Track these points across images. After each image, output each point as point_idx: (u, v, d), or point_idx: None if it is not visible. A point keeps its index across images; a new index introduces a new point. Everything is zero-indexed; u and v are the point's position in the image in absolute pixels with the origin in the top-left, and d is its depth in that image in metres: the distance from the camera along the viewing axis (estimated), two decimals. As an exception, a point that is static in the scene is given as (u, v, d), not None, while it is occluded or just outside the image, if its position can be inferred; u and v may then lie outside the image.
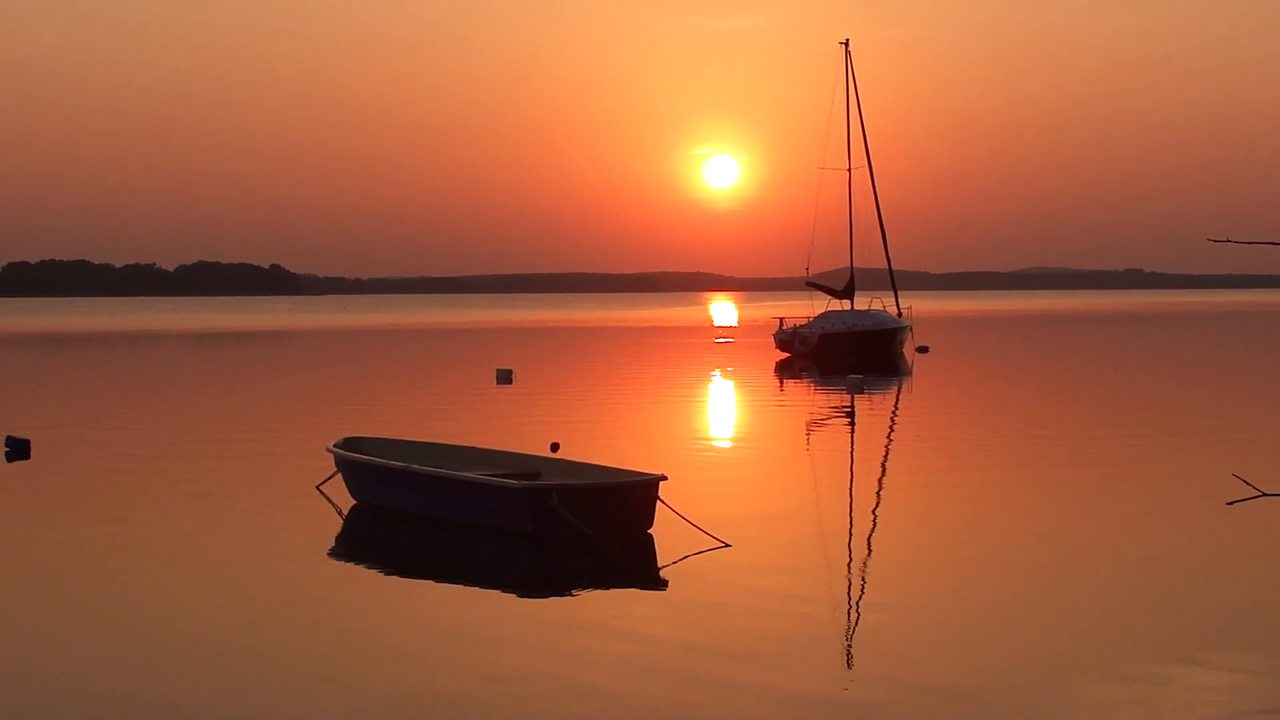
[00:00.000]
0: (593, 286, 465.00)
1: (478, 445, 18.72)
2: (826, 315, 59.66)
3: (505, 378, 41.32)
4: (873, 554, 14.29)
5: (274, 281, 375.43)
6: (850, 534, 15.35)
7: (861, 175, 63.81)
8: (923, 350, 59.44)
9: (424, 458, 17.73)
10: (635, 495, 15.21)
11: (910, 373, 45.87)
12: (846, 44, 64.04)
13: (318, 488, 18.55)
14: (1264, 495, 17.36)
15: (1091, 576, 13.05)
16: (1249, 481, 18.02)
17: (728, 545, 14.47)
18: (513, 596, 12.58)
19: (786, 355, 57.02)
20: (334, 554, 14.66)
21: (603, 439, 25.00)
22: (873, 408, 32.47)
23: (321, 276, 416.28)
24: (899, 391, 37.90)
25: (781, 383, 41.75)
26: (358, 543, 15.55)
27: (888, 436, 26.06)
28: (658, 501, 15.38)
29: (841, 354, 55.15)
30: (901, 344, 58.88)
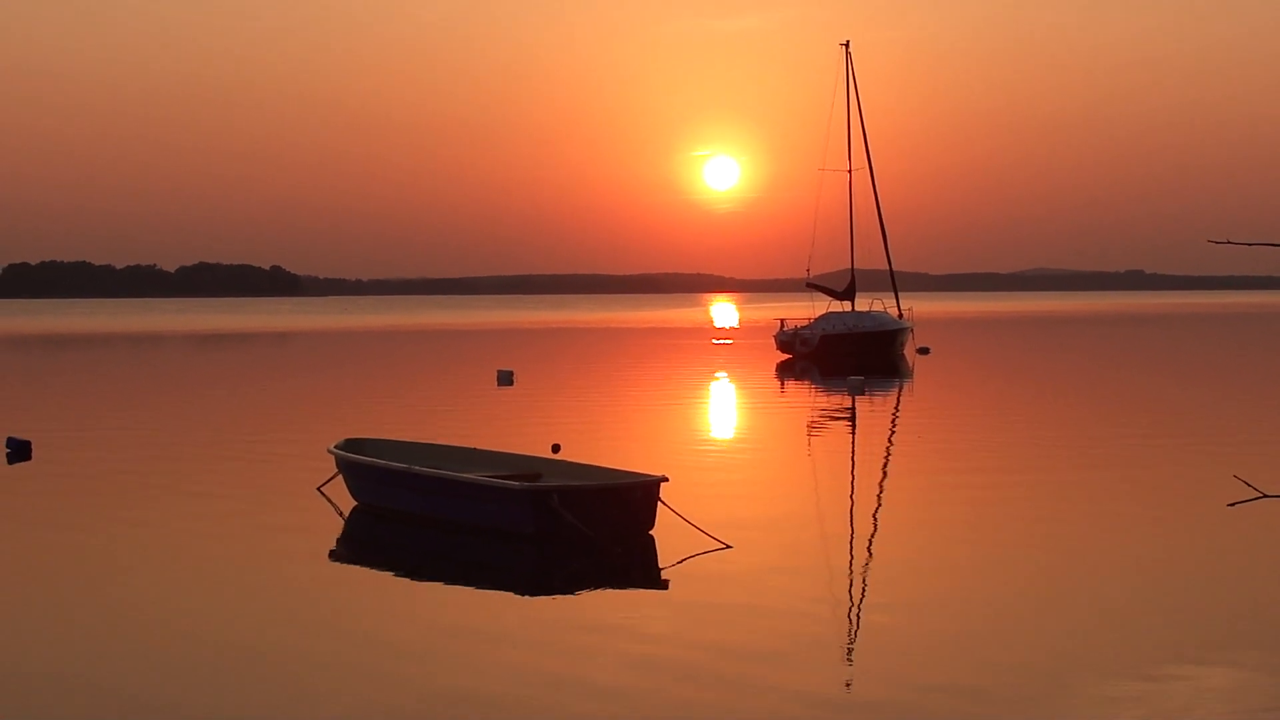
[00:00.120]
0: (594, 288, 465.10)
1: (479, 446, 18.72)
2: (827, 316, 59.66)
3: (506, 379, 41.33)
4: (874, 555, 14.28)
5: (275, 282, 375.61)
6: (851, 535, 15.35)
7: (862, 176, 63.90)
8: (923, 351, 59.44)
9: (425, 459, 17.73)
10: (636, 496, 15.21)
11: (911, 374, 45.86)
12: (847, 45, 64.10)
13: (319, 489, 18.56)
14: (1265, 496, 17.36)
15: (1092, 577, 13.05)
16: (1250, 483, 18.03)
17: (729, 546, 14.48)
18: (514, 597, 12.57)
19: (787, 356, 57.03)
20: (335, 555, 14.66)
21: (604, 440, 25.01)
22: (873, 409, 32.47)
23: (322, 278, 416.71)
24: (900, 393, 37.90)
25: (782, 384, 41.75)
26: (359, 544, 15.56)
27: (888, 438, 26.06)
28: (659, 503, 15.39)
29: (842, 355, 55.17)
30: (902, 345, 58.88)
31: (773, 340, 61.13)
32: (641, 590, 12.84)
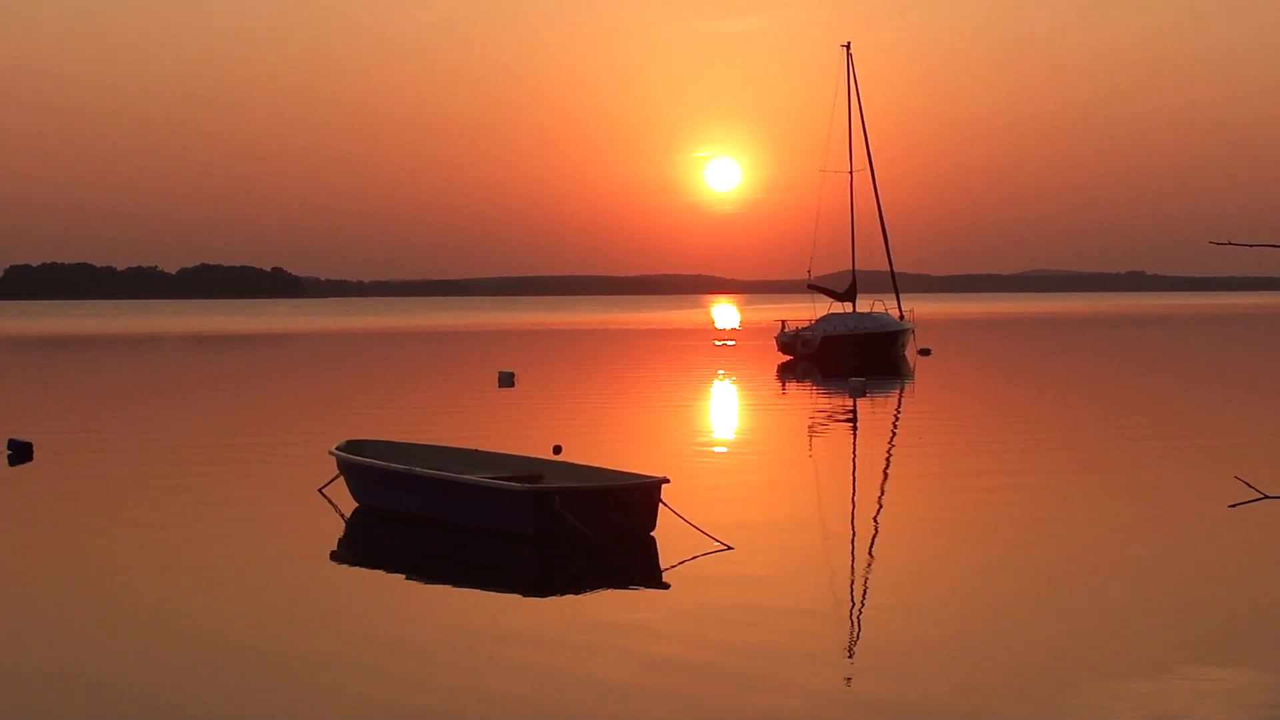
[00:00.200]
0: (594, 289, 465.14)
1: (480, 448, 18.72)
2: (828, 318, 59.67)
3: (507, 380, 41.33)
4: (875, 556, 14.28)
5: (276, 284, 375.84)
6: (853, 536, 15.35)
7: (863, 177, 63.96)
8: (925, 353, 59.44)
9: (426, 460, 17.73)
10: (638, 498, 15.21)
11: (912, 375, 45.86)
12: (848, 46, 64.14)
13: (320, 490, 18.56)
14: (1266, 498, 17.36)
15: (1093, 578, 13.05)
16: (1251, 484, 18.02)
17: (730, 548, 14.48)
18: (515, 599, 12.57)
19: (788, 358, 57.03)
20: (336, 556, 14.66)
21: (605, 442, 25.01)
22: (875, 410, 32.47)
23: (323, 279, 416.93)
24: (901, 394, 37.89)
25: (783, 385, 41.74)
26: (360, 545, 15.56)
27: (890, 439, 26.05)
28: (660, 504, 15.39)
29: (843, 356, 55.18)
30: (903, 346, 58.87)
31: (774, 341, 61.12)
32: (643, 591, 12.84)
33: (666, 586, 13.03)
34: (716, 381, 43.13)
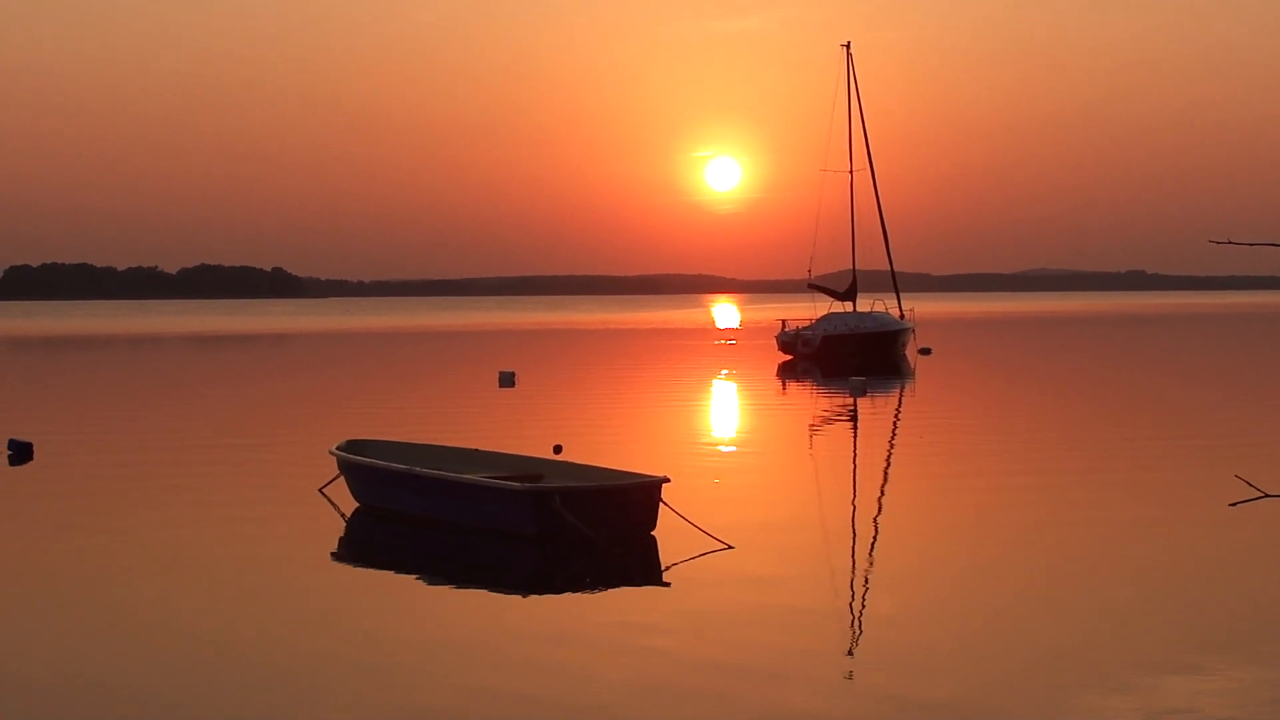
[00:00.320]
0: (595, 289, 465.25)
1: (480, 448, 18.71)
2: (829, 317, 59.68)
3: (508, 380, 41.33)
4: (876, 555, 14.28)
5: (276, 284, 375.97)
6: (853, 536, 15.34)
7: (863, 177, 63.97)
8: (925, 352, 59.44)
9: (426, 460, 17.73)
10: (638, 497, 15.21)
11: (913, 375, 45.86)
12: (848, 46, 64.15)
13: (320, 490, 18.56)
14: (1266, 496, 17.36)
15: (1093, 577, 13.05)
16: (1251, 483, 18.03)
17: (730, 547, 14.48)
18: (515, 598, 12.57)
19: (789, 357, 57.04)
20: (336, 556, 14.66)
21: (605, 441, 25.01)
22: (875, 410, 32.47)
23: (323, 279, 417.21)
24: (901, 394, 37.90)
25: (784, 385, 41.75)
26: (360, 545, 15.55)
27: (890, 438, 26.05)
28: (660, 504, 15.38)
29: (844, 356, 55.18)
30: (904, 346, 58.88)
31: (774, 341, 61.13)
32: (643, 591, 12.84)
33: (667, 585, 13.03)
34: (717, 381, 43.12)
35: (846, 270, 62.59)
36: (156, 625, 11.49)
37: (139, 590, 12.85)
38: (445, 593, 12.85)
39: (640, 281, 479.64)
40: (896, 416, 30.81)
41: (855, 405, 33.36)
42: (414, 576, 13.57)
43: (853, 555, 14.25)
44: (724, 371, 47.72)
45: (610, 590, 12.83)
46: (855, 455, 23.35)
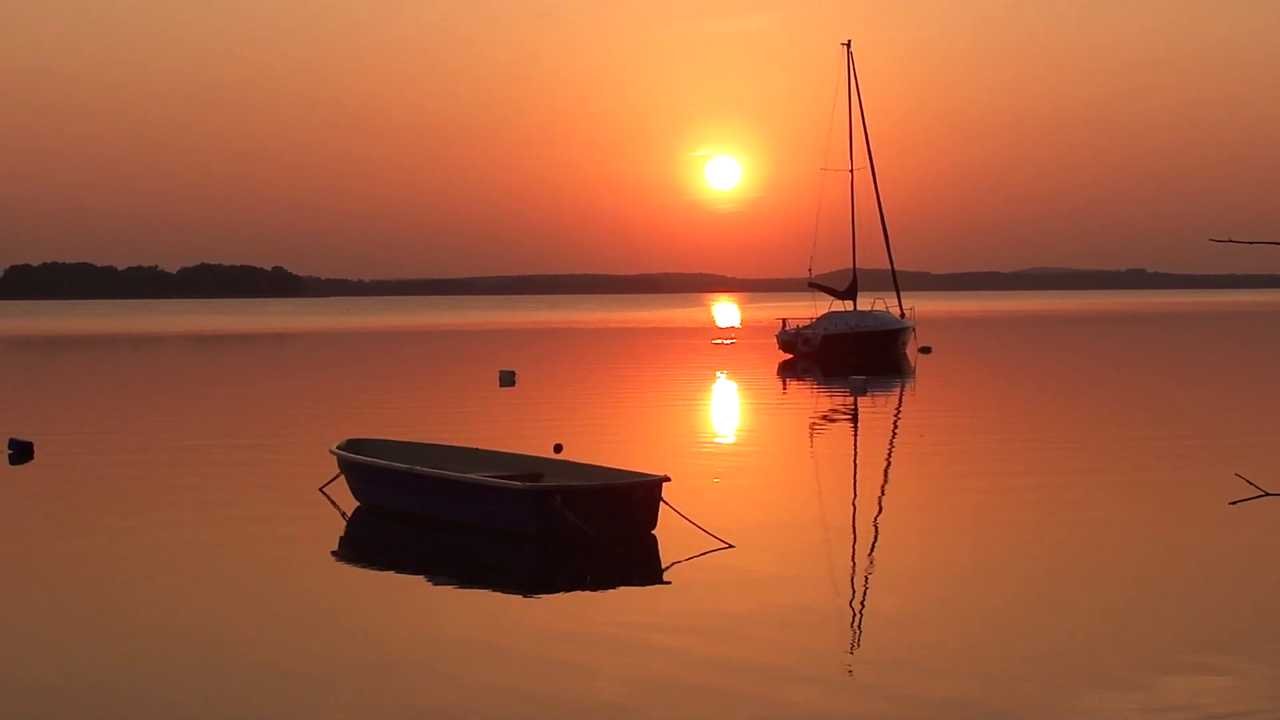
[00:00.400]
0: (595, 288, 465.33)
1: (481, 447, 18.71)
2: (829, 316, 59.68)
3: (508, 379, 41.33)
4: (876, 554, 14.28)
5: (276, 283, 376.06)
6: (854, 535, 15.34)
7: (864, 176, 63.97)
8: (925, 351, 59.44)
9: (427, 459, 17.73)
10: (639, 496, 15.21)
11: (913, 373, 45.87)
12: (848, 45, 64.13)
13: (321, 490, 18.56)
14: (1266, 495, 17.36)
15: (1093, 577, 13.05)
16: (1251, 481, 18.03)
17: (731, 546, 14.48)
18: (516, 598, 12.57)
19: (789, 356, 57.04)
20: (337, 556, 14.66)
21: (606, 440, 25.01)
22: (875, 409, 32.47)
23: (324, 278, 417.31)
24: (902, 392, 37.90)
25: (785, 384, 41.75)
26: (361, 545, 15.55)
27: (890, 437, 26.06)
28: (661, 503, 15.38)
29: (844, 355, 55.19)
30: (904, 345, 58.89)
31: (775, 340, 61.13)
32: (644, 590, 12.84)
33: (668, 585, 13.03)
34: (717, 380, 43.12)
35: (847, 269, 62.61)
36: (156, 625, 11.50)
37: (139, 590, 12.85)
38: (446, 592, 12.85)
39: (640, 281, 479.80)
40: (897, 416, 30.81)
41: (856, 404, 33.36)
42: (415, 576, 13.57)
43: (853, 554, 14.25)
44: (722, 371, 47.70)
45: (611, 589, 12.83)
46: (856, 454, 23.35)
